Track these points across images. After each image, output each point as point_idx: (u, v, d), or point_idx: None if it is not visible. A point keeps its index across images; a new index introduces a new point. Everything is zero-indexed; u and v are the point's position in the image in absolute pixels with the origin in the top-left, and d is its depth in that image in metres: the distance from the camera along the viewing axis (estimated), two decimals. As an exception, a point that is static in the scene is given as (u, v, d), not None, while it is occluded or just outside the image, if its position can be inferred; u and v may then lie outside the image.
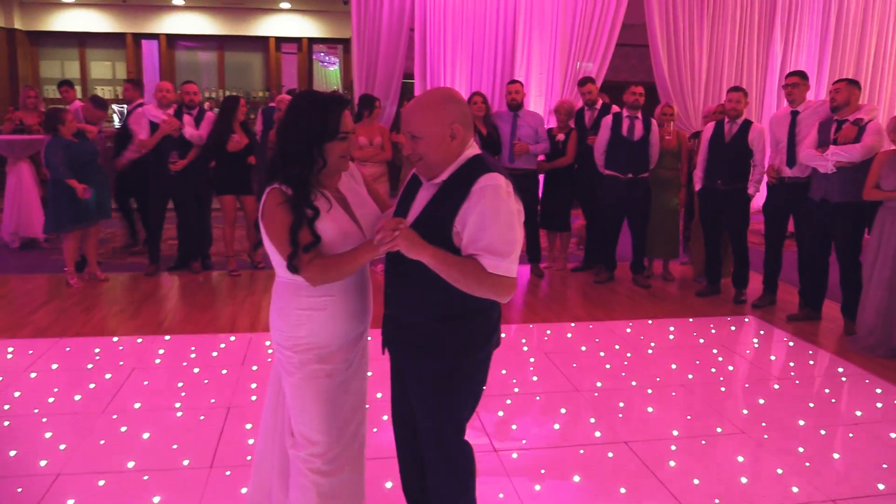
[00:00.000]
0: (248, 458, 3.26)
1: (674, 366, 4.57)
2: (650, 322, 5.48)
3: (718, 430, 3.68)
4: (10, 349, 4.59)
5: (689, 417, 3.82)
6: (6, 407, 3.75)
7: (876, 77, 10.57)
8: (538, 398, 4.04)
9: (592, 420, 3.76)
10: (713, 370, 4.52)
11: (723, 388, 4.25)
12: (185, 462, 3.21)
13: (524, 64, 10.40)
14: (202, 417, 3.68)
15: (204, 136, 6.42)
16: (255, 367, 4.38)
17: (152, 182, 6.48)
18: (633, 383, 4.28)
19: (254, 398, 3.94)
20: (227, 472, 3.15)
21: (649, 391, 4.16)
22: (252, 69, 13.20)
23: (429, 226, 2.10)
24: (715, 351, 4.87)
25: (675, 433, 3.63)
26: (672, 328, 5.34)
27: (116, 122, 12.13)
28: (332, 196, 2.25)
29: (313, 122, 2.16)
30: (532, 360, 4.63)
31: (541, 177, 6.97)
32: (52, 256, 7.12)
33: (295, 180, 2.15)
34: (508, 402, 3.98)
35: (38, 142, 7.19)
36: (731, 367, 4.58)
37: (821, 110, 5.45)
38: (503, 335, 4.91)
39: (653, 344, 4.98)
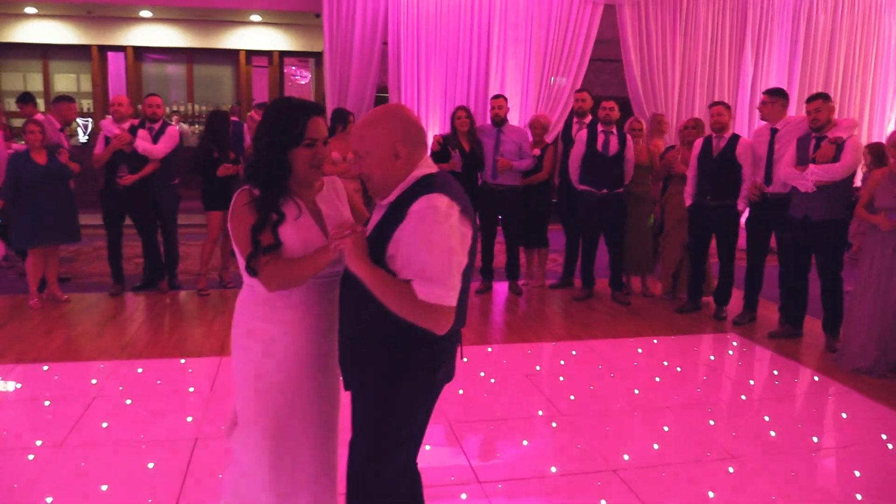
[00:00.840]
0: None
1: (658, 384, 4.46)
2: (631, 340, 5.38)
3: (708, 454, 3.57)
4: (-37, 377, 4.34)
5: (676, 441, 3.70)
6: (-44, 441, 3.51)
7: (845, 92, 10.70)
8: (520, 423, 3.90)
9: (578, 446, 3.63)
10: (698, 390, 4.43)
11: (709, 409, 4.15)
12: (149, 502, 3.00)
13: (499, 78, 10.36)
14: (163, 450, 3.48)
15: (163, 151, 6.21)
16: (220, 394, 4.18)
17: (104, 198, 6.25)
18: (618, 405, 4.16)
19: (224, 427, 3.74)
20: None
21: (635, 413, 4.05)
22: (222, 82, 12.96)
23: (373, 248, 2.04)
24: (698, 370, 4.78)
25: (663, 458, 3.51)
26: (654, 346, 5.24)
27: (81, 137, 11.83)
28: (306, 206, 2.23)
29: (279, 127, 2.15)
30: (513, 382, 4.49)
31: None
32: (11, 276, 6.84)
33: (262, 183, 2.16)
34: (491, 428, 3.83)
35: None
36: (715, 387, 4.49)
37: (801, 127, 5.41)
38: (465, 359, 4.79)
39: (635, 363, 4.87)
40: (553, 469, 3.39)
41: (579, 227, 6.65)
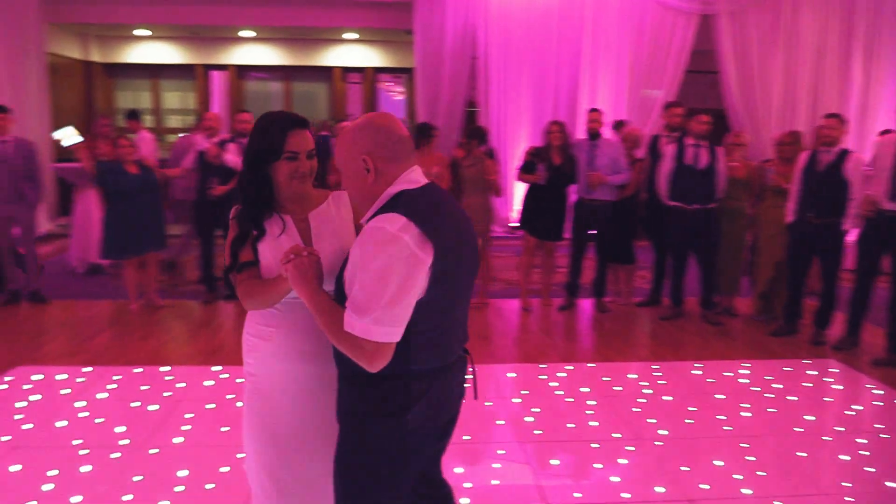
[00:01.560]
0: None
1: (745, 414, 4.22)
2: (721, 363, 5.13)
3: (796, 490, 3.34)
4: (64, 376, 4.59)
5: (762, 474, 3.48)
6: (49, 437, 3.71)
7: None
8: (596, 445, 3.78)
9: (655, 473, 3.47)
10: (790, 420, 4.16)
11: (801, 440, 3.89)
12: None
13: (588, 91, 10.20)
14: (241, 456, 3.56)
15: None
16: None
17: (197, 209, 6.55)
18: (702, 431, 3.97)
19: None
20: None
21: (718, 442, 3.84)
22: (318, 99, 13.37)
23: (340, 272, 1.90)
24: (792, 398, 4.50)
25: (748, 492, 3.31)
26: (744, 370, 4.98)
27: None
28: (294, 222, 2.15)
29: (259, 141, 2.10)
30: (591, 402, 4.36)
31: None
32: (115, 282, 7.22)
33: (244, 198, 2.13)
34: (564, 448, 3.73)
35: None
36: (810, 418, 4.21)
37: None
38: (561, 374, 4.68)
39: (723, 388, 4.63)
40: (624, 495, 3.26)
41: (668, 244, 6.42)
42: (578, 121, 9.42)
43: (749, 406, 4.33)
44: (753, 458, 3.64)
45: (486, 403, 4.31)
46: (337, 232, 2.18)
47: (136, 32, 11.93)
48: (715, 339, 5.75)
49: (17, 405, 4.13)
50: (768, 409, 4.29)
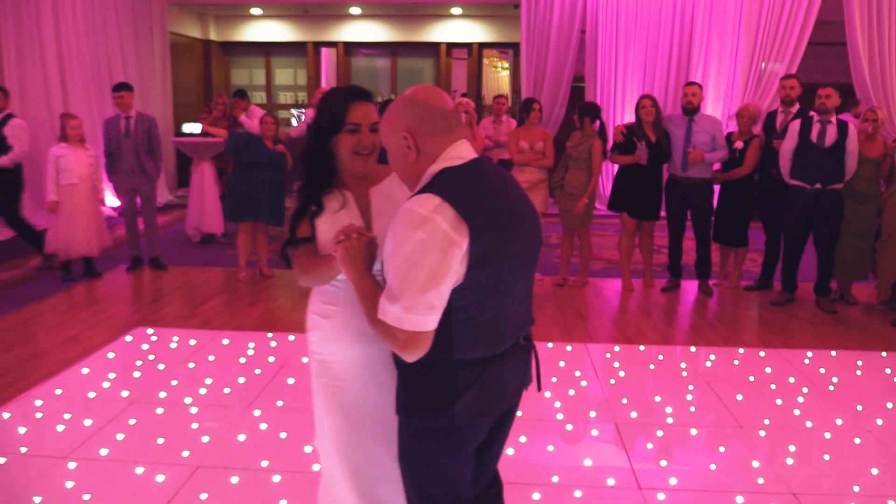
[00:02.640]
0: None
1: (859, 407, 3.97)
2: (834, 353, 4.84)
3: (911, 490, 3.13)
4: (176, 338, 4.87)
5: (874, 472, 3.27)
6: (162, 395, 3.95)
7: None
8: (694, 432, 3.66)
9: (756, 464, 3.33)
10: (910, 416, 3.88)
11: (921, 440, 3.63)
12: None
13: (701, 65, 9.80)
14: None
15: None
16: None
17: None
18: (808, 424, 3.76)
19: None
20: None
21: (827, 435, 3.64)
22: (423, 74, 13.43)
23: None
24: (913, 393, 4.20)
25: (856, 489, 3.12)
26: (860, 362, 4.67)
27: (294, 123, 12.85)
28: (354, 198, 2.10)
29: (321, 114, 2.08)
30: (691, 387, 4.22)
31: (716, 187, 6.42)
32: (228, 251, 7.57)
33: (306, 173, 2.10)
34: (660, 433, 3.63)
35: (218, 144, 7.71)
36: (933, 415, 3.92)
37: None
38: (660, 357, 4.55)
39: (835, 379, 4.37)
40: (722, 484, 3.14)
41: (785, 225, 6.07)
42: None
43: (863, 399, 4.07)
44: (865, 456, 3.43)
45: (582, 384, 4.25)
46: (393, 209, 1.97)
47: (252, 11, 12.34)
48: (829, 328, 5.43)
49: (137, 363, 4.42)
50: (887, 405, 4.02)
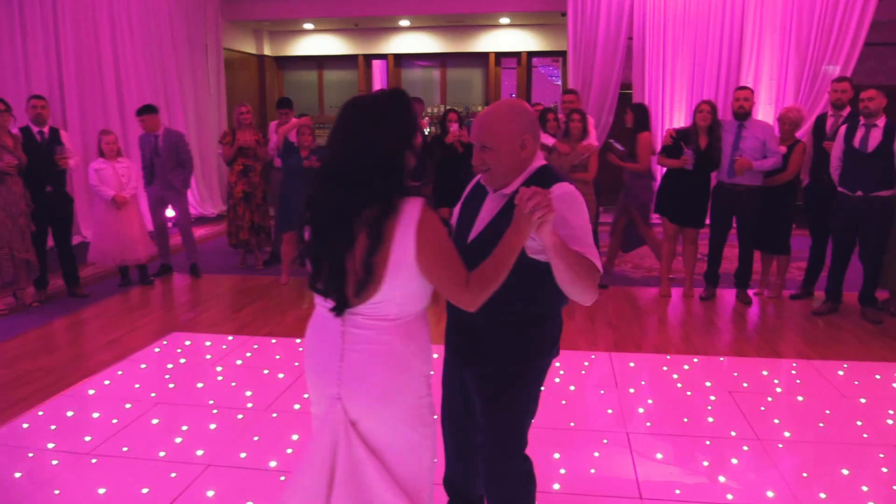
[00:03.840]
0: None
1: (889, 422, 3.81)
2: (870, 365, 4.65)
3: (934, 508, 2.98)
4: (208, 343, 5.04)
5: (886, 488, 3.14)
6: (187, 397, 4.10)
7: None
8: (708, 443, 3.58)
9: (767, 477, 3.23)
10: (944, 432, 3.70)
11: (952, 456, 3.46)
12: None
13: (752, 70, 9.57)
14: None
15: None
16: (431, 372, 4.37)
17: None
18: (832, 438, 3.63)
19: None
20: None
21: (849, 449, 3.50)
22: (473, 84, 13.51)
23: (499, 235, 1.93)
24: (952, 408, 3.99)
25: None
26: (899, 375, 4.48)
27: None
28: None
29: (402, 120, 1.92)
30: (712, 398, 4.12)
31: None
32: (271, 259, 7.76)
33: (417, 189, 2.07)
34: (672, 444, 3.56)
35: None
36: (970, 430, 3.72)
37: None
38: (685, 367, 4.48)
39: (868, 393, 4.20)
40: (729, 496, 3.07)
41: (832, 232, 5.86)
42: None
43: (895, 413, 3.90)
44: (886, 470, 3.29)
45: (600, 392, 4.20)
46: None
47: (304, 26, 12.66)
48: (873, 339, 5.21)
49: (168, 366, 4.59)
50: (920, 419, 3.85)
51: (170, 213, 7.33)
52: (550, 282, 2.03)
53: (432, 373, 2.08)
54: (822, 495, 3.07)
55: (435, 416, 2.10)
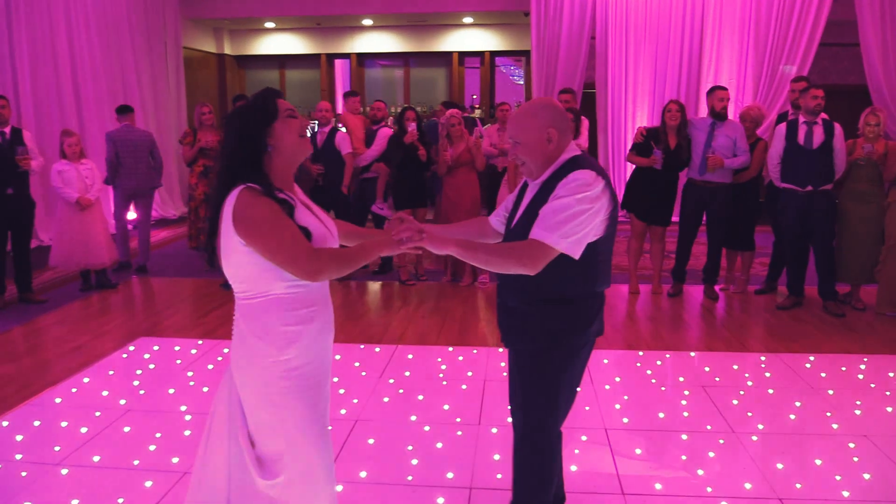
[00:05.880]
0: (363, 474, 3.21)
1: (858, 412, 3.91)
2: (836, 357, 4.76)
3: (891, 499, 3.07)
4: (177, 348, 4.94)
5: (866, 477, 3.22)
6: (158, 404, 4.01)
7: None
8: (685, 437, 3.62)
9: (744, 469, 3.29)
10: (910, 421, 3.81)
11: (918, 444, 3.56)
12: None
13: (712, 69, 9.75)
14: (329, 427, 3.69)
15: (371, 153, 6.78)
16: (391, 381, 4.35)
17: (315, 195, 6.90)
18: (804, 429, 3.71)
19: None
20: (339, 488, 3.11)
21: (821, 440, 3.58)
22: (436, 84, 13.51)
23: (530, 220, 2.24)
24: (915, 397, 4.11)
25: (846, 494, 3.07)
26: (863, 366, 4.60)
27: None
28: (293, 197, 2.08)
29: (252, 111, 2.04)
30: (686, 392, 4.18)
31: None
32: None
33: (257, 175, 2.00)
34: (650, 438, 3.60)
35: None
36: (933, 419, 3.84)
37: None
38: (658, 363, 4.53)
39: (835, 384, 4.31)
40: (709, 489, 3.11)
41: (783, 229, 6.00)
42: (701, 100, 8.99)
43: (862, 404, 4.00)
44: (858, 459, 3.37)
45: (576, 389, 4.22)
46: (314, 207, 2.22)
47: (266, 25, 12.51)
48: (836, 332, 5.35)
49: (137, 372, 4.49)
50: (886, 409, 3.95)
51: (131, 215, 7.21)
52: (574, 264, 2.20)
53: (299, 363, 2.04)
54: (798, 486, 3.13)
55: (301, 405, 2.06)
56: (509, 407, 2.58)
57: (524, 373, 2.39)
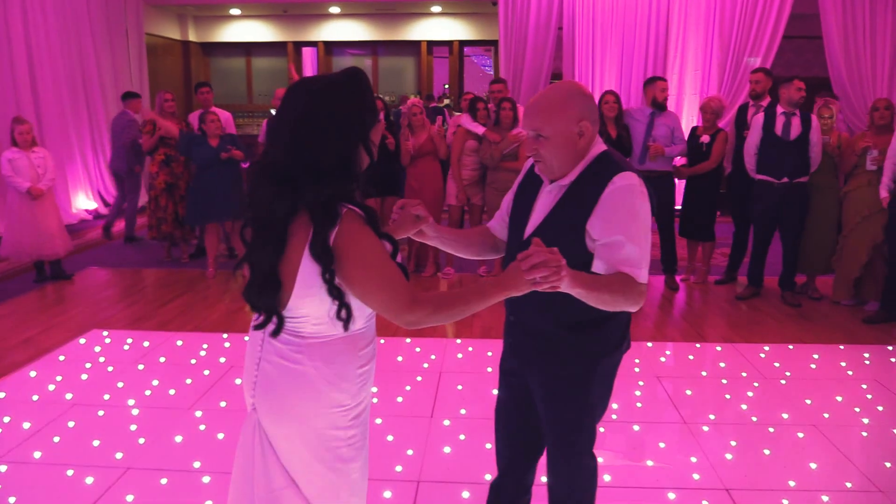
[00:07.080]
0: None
1: (808, 401, 3.95)
2: (790, 347, 4.81)
3: (848, 485, 3.10)
4: (130, 340, 4.84)
5: (812, 466, 3.24)
6: (106, 397, 3.92)
7: None
8: (637, 428, 3.63)
9: (694, 459, 3.30)
10: (857, 409, 3.85)
11: (864, 433, 3.60)
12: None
13: (678, 60, 9.76)
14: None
15: None
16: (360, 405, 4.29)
17: None
18: (754, 419, 3.74)
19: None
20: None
21: (771, 429, 3.61)
22: (405, 73, 13.42)
23: (558, 230, 1.96)
24: (865, 386, 4.16)
25: (792, 483, 3.09)
26: (816, 356, 4.64)
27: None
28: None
29: (361, 109, 1.66)
30: (641, 383, 4.19)
31: (679, 181, 6.40)
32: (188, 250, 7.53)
33: (349, 193, 1.66)
34: (601, 429, 3.60)
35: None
36: (881, 408, 3.88)
37: None
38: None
39: (788, 373, 4.34)
40: (656, 480, 3.11)
41: (753, 219, 6.04)
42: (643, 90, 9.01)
43: (813, 393, 4.04)
44: (807, 450, 3.40)
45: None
46: None
47: (230, 12, 12.31)
48: (792, 322, 5.40)
49: (86, 366, 4.39)
50: (836, 398, 3.99)
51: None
52: None
53: (363, 406, 1.81)
54: (744, 475, 3.15)
55: (362, 454, 1.83)
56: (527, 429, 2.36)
57: (555, 395, 2.16)
